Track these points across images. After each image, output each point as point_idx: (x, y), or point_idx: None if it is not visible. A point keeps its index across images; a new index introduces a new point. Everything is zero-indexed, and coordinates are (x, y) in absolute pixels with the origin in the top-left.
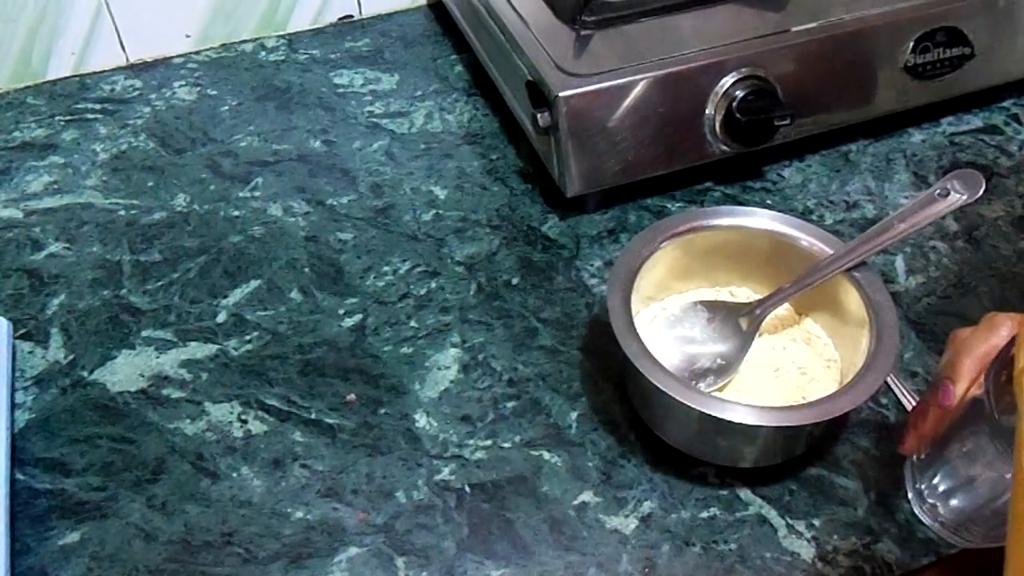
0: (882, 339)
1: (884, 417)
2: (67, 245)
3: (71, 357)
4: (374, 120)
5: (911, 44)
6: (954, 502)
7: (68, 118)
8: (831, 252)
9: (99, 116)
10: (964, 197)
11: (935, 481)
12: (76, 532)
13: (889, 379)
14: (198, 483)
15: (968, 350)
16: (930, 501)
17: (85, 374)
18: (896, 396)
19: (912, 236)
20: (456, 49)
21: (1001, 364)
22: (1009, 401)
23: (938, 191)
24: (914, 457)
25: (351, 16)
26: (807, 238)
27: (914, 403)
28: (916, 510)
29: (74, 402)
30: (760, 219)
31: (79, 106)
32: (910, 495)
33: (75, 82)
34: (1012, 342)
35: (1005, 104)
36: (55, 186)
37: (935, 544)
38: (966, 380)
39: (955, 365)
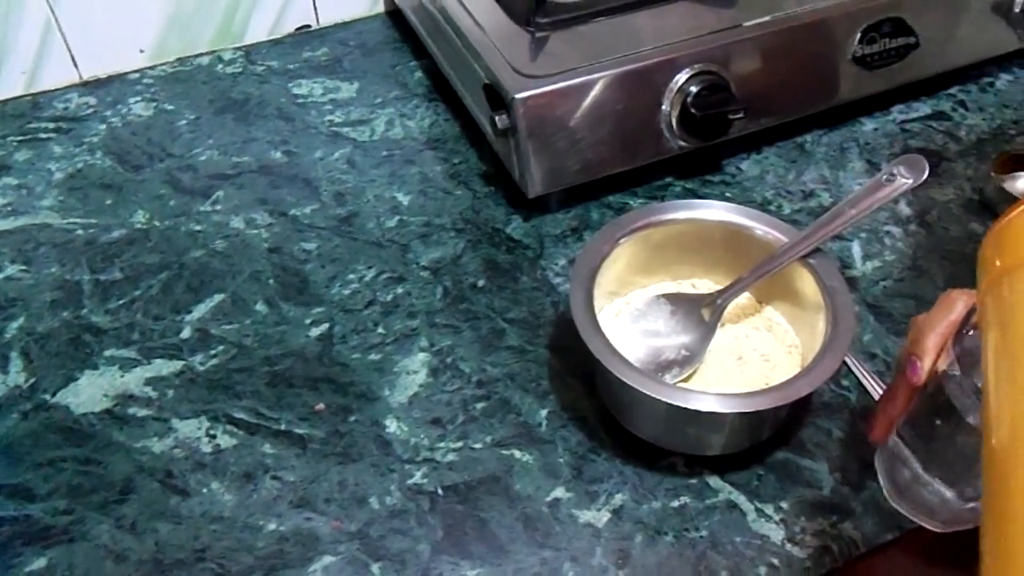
0: (838, 323)
1: (846, 399)
2: (24, 267)
3: (32, 380)
4: (335, 129)
5: (858, 35)
6: (938, 483)
7: (20, 138)
8: (786, 240)
9: (53, 135)
10: (910, 181)
11: (915, 466)
12: (43, 557)
13: (849, 361)
14: (168, 501)
15: (930, 327)
16: (907, 485)
17: (47, 397)
18: (857, 378)
19: (866, 221)
20: (415, 55)
21: (965, 332)
22: (976, 361)
23: (885, 176)
24: (883, 449)
25: (309, 26)
26: (762, 228)
27: (874, 383)
28: (895, 502)
29: (37, 426)
30: (714, 211)
31: (32, 125)
32: (884, 487)
33: (27, 101)
34: (971, 313)
35: (951, 91)
36: (9, 208)
37: (899, 519)
38: (931, 355)
39: (919, 342)
